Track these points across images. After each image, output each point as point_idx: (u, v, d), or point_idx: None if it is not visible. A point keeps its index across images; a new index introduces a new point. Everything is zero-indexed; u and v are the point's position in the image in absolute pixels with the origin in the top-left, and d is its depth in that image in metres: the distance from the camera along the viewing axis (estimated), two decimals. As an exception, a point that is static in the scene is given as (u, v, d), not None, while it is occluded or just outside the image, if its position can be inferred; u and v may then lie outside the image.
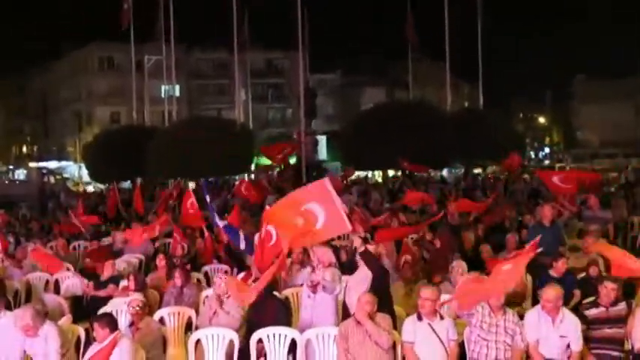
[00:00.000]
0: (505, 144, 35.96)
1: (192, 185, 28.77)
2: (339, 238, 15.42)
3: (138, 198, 20.09)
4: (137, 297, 8.57)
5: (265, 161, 47.43)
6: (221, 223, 12.48)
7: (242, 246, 11.85)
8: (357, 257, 8.88)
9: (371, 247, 9.14)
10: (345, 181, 28.01)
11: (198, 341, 8.21)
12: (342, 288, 8.94)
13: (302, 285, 9.46)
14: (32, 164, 77.55)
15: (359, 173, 39.96)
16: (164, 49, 42.34)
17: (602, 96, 78.80)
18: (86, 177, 48.81)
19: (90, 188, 44.19)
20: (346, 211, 8.87)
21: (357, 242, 8.75)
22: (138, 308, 8.28)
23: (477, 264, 11.43)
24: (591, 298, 8.29)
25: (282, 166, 30.78)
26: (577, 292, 9.59)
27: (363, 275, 8.58)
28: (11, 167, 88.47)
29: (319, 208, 8.31)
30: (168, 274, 11.16)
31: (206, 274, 12.34)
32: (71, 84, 76.36)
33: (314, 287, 8.75)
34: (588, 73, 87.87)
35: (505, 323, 7.49)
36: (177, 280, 10.17)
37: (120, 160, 34.29)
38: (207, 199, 13.65)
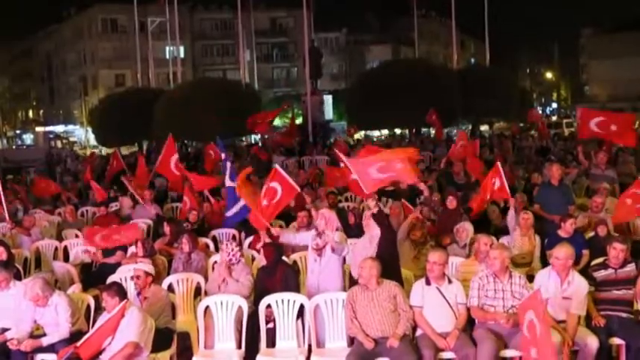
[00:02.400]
0: (512, 100, 35.89)
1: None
2: (346, 200, 15.49)
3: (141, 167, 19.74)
4: (140, 266, 8.52)
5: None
6: (228, 184, 12.50)
7: (230, 213, 12.08)
8: (364, 221, 8.87)
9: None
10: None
11: (207, 307, 8.23)
12: (349, 250, 8.97)
13: (305, 247, 9.46)
14: (39, 129, 77.64)
15: (367, 132, 39.89)
16: (167, 10, 42.06)
17: (610, 50, 78.05)
18: (93, 141, 48.84)
19: (96, 152, 44.20)
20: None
21: (371, 203, 8.65)
22: (140, 280, 8.24)
23: (484, 225, 11.40)
24: (600, 260, 8.26)
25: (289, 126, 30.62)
26: (586, 252, 9.59)
27: (368, 239, 8.59)
28: (18, 132, 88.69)
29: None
30: (172, 240, 11.21)
31: (214, 239, 12.35)
32: (75, 47, 76.30)
33: (319, 251, 8.75)
34: (596, 27, 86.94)
35: (512, 287, 7.43)
36: (185, 245, 10.17)
37: (126, 123, 34.23)
38: (223, 156, 13.48)
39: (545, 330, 5.88)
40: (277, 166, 11.06)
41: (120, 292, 7.47)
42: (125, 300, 7.34)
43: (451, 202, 12.03)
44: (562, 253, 7.55)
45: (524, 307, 6.31)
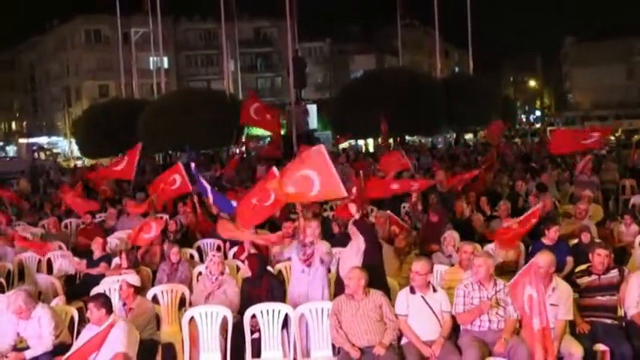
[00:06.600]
0: (496, 109, 36.09)
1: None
2: (332, 209, 15.45)
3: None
4: (125, 277, 8.48)
5: (256, 131, 47.36)
6: (211, 195, 12.54)
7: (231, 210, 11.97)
8: (350, 229, 8.85)
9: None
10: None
11: (192, 318, 8.19)
12: (335, 261, 8.97)
13: (289, 259, 9.42)
14: (22, 140, 77.21)
15: (351, 141, 39.96)
16: (151, 21, 42.02)
17: (593, 58, 78.51)
18: (77, 152, 48.64)
19: (80, 164, 44.00)
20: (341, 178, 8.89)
21: (352, 209, 8.54)
22: (122, 291, 8.19)
23: (469, 233, 11.42)
24: (584, 266, 8.28)
25: (271, 138, 30.58)
26: (570, 259, 9.62)
27: (355, 248, 8.57)
28: (1, 144, 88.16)
29: (315, 175, 8.35)
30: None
31: (199, 249, 12.31)
32: (59, 58, 75.98)
33: (307, 261, 8.72)
34: (579, 35, 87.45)
35: (497, 295, 7.43)
36: (174, 256, 10.15)
37: (110, 134, 34.14)
38: (193, 169, 13.45)
39: (543, 298, 6.33)
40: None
41: (106, 304, 7.38)
42: (112, 314, 7.29)
43: (433, 217, 12.08)
44: (543, 261, 7.55)
45: (519, 284, 6.46)
